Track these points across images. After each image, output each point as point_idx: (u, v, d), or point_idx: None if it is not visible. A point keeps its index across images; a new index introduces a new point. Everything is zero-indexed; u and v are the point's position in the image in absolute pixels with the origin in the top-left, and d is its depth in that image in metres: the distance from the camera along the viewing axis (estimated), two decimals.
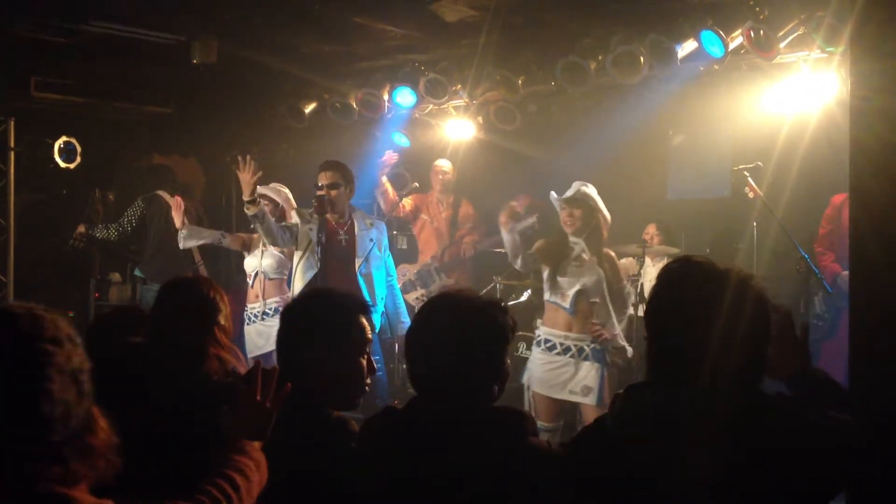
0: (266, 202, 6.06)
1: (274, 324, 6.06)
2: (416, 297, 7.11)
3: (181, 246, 6.61)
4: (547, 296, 5.18)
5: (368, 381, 2.57)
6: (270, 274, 6.27)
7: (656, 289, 2.03)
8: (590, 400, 4.97)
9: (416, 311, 6.11)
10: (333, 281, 5.30)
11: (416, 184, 7.38)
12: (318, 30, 6.28)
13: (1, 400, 1.50)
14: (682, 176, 7.75)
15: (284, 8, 5.88)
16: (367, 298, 5.07)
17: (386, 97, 7.04)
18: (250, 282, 6.36)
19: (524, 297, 6.70)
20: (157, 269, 7.15)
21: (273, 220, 5.65)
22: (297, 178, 6.78)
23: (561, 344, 5.04)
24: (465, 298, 2.30)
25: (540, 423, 4.58)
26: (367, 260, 5.55)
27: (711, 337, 1.87)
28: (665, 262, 6.83)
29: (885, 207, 2.20)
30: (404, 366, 6.68)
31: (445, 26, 6.05)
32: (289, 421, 2.42)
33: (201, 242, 6.61)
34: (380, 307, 5.56)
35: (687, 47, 5.51)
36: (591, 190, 5.10)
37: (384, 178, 6.86)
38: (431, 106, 7.10)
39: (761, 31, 5.22)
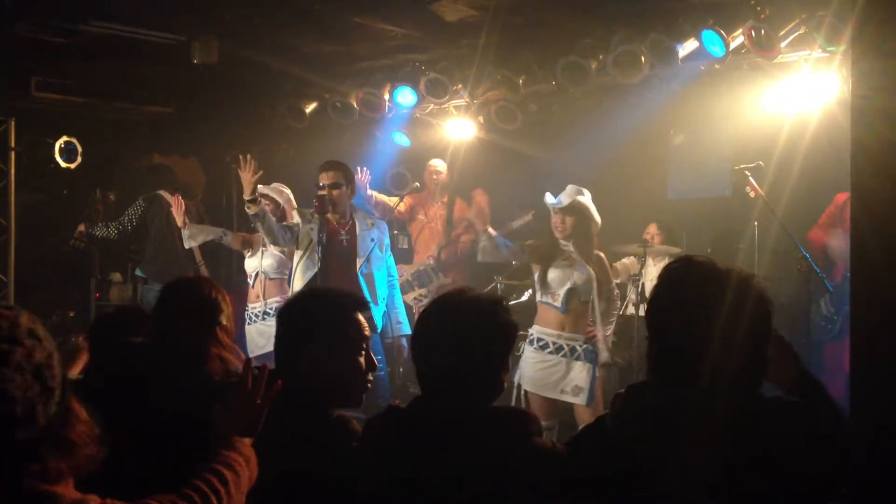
0: (267, 202, 6.05)
1: (274, 323, 6.08)
2: (414, 297, 7.11)
3: (185, 245, 6.61)
4: (538, 296, 5.22)
5: (370, 377, 2.56)
6: (271, 274, 6.27)
7: (657, 288, 2.02)
8: (580, 400, 4.99)
9: (413, 311, 6.15)
10: (334, 281, 5.30)
11: (417, 184, 7.37)
12: (318, 30, 6.28)
13: None
14: (682, 175, 7.75)
15: (284, 8, 5.88)
16: (369, 298, 5.09)
17: (386, 97, 7.04)
18: (251, 282, 6.36)
19: (525, 297, 6.70)
20: (158, 269, 7.15)
21: (274, 219, 5.65)
22: (298, 178, 6.78)
23: (553, 343, 5.06)
24: (467, 298, 2.30)
25: None
26: (368, 260, 5.55)
27: (712, 337, 1.87)
28: (666, 261, 6.85)
29: (885, 207, 2.20)
30: (401, 368, 6.71)
31: (446, 26, 6.04)
32: (289, 420, 2.42)
33: (205, 240, 6.61)
34: (381, 307, 5.56)
35: (688, 47, 5.50)
36: (586, 198, 5.11)
37: (370, 192, 6.83)
38: (432, 105, 7.10)
39: (762, 31, 5.21)
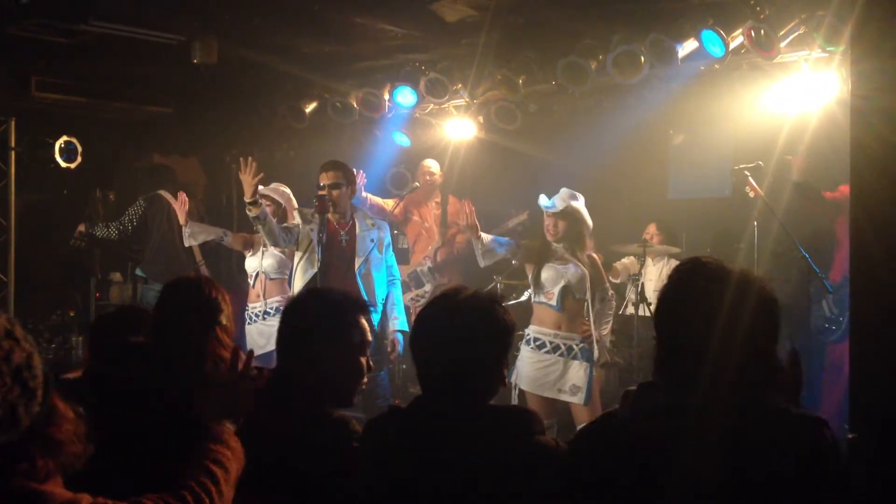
0: (268, 203, 6.05)
1: (275, 323, 6.04)
2: (411, 297, 7.10)
3: (186, 243, 6.62)
4: (533, 297, 5.25)
5: (365, 379, 2.58)
6: (271, 274, 6.27)
7: (666, 289, 2.03)
8: (578, 399, 5.00)
9: (411, 311, 6.15)
10: (333, 281, 5.30)
11: (417, 184, 7.37)
12: (318, 30, 6.28)
13: None
14: (682, 175, 7.76)
15: (284, 8, 5.88)
16: (366, 298, 5.10)
17: (386, 97, 7.04)
18: (251, 282, 6.36)
19: (524, 297, 6.69)
20: (159, 269, 7.16)
21: (274, 221, 5.65)
22: (298, 178, 6.78)
23: (550, 342, 5.08)
24: (464, 297, 2.31)
25: None
26: (366, 260, 5.55)
27: (717, 338, 1.86)
28: (666, 261, 6.90)
29: (885, 207, 2.20)
30: (404, 366, 6.71)
31: (446, 26, 6.04)
32: (290, 420, 2.42)
33: (205, 239, 6.61)
34: (380, 308, 5.56)
35: (687, 47, 5.50)
36: (579, 203, 5.13)
37: (365, 194, 6.83)
38: (432, 105, 7.10)
39: (762, 31, 5.21)
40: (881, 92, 2.29)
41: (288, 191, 6.31)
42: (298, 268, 5.58)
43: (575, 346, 5.06)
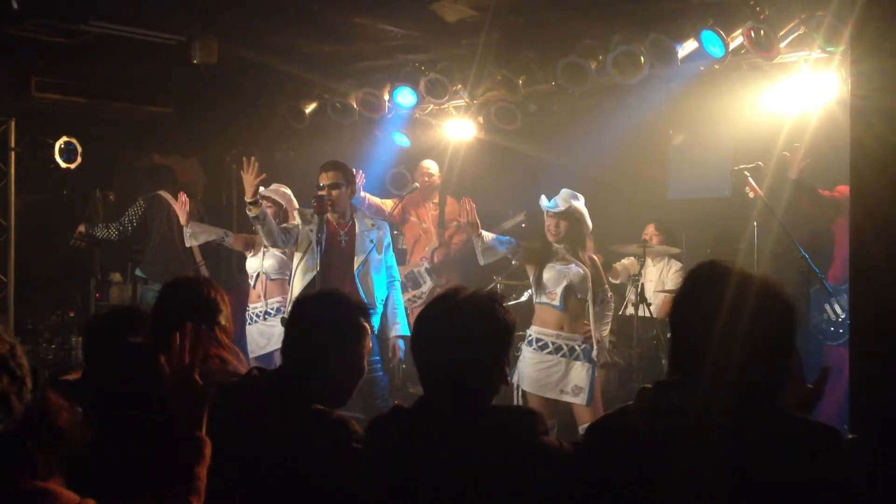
0: (269, 204, 6.05)
1: (275, 324, 6.10)
2: (408, 298, 7.09)
3: (187, 244, 6.61)
4: (535, 297, 5.24)
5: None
6: (272, 275, 6.27)
7: (681, 290, 2.04)
8: (580, 400, 5.00)
9: (408, 312, 6.15)
10: (332, 281, 5.30)
11: (416, 184, 7.37)
12: (318, 30, 6.28)
13: None
14: (682, 175, 7.76)
15: (284, 8, 5.88)
16: (365, 300, 5.10)
17: (386, 97, 7.04)
18: (252, 282, 6.36)
19: (524, 297, 6.70)
20: (159, 270, 7.16)
21: (274, 222, 5.65)
22: (298, 178, 6.78)
23: (553, 343, 5.07)
24: (463, 297, 2.30)
25: None
26: (365, 261, 5.54)
27: (730, 341, 1.86)
28: (665, 261, 6.90)
29: (885, 207, 2.21)
30: (404, 366, 6.71)
31: (445, 26, 6.04)
32: (290, 420, 2.42)
33: (206, 239, 6.61)
34: (380, 309, 5.55)
35: (687, 47, 5.50)
36: (580, 203, 5.13)
37: (363, 194, 6.83)
38: (432, 106, 7.10)
39: (762, 31, 5.21)
40: (881, 92, 2.29)
41: (289, 192, 6.31)
42: (298, 269, 5.58)
43: (577, 347, 5.06)
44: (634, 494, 1.94)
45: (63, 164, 7.35)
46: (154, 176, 7.71)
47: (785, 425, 1.88)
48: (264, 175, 5.61)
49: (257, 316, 6.27)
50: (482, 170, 7.77)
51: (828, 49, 5.11)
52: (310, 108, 7.51)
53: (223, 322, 3.12)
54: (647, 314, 6.44)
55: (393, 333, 5.60)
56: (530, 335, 5.19)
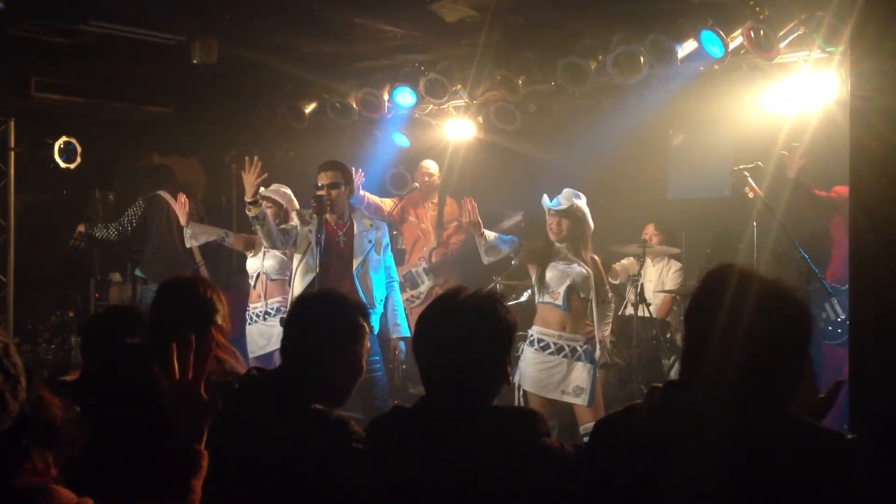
0: (269, 204, 6.05)
1: (275, 324, 6.10)
2: (406, 298, 7.08)
3: (187, 244, 6.61)
4: (538, 297, 5.23)
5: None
6: (272, 275, 6.27)
7: (696, 292, 2.04)
8: (581, 400, 5.00)
9: (406, 312, 6.15)
10: (331, 282, 5.30)
11: (416, 184, 7.37)
12: (318, 30, 6.28)
13: None
14: (682, 176, 7.76)
15: (284, 8, 5.88)
16: (364, 300, 5.10)
17: (386, 97, 7.04)
18: (252, 282, 6.36)
19: (524, 298, 6.70)
20: (158, 270, 7.16)
21: (273, 223, 5.65)
22: (298, 179, 6.78)
23: (554, 343, 5.07)
24: (464, 297, 2.30)
25: None
26: (364, 261, 5.54)
27: (742, 344, 1.86)
28: (665, 262, 6.90)
29: (885, 207, 2.21)
30: (404, 366, 6.71)
31: (445, 26, 6.04)
32: (289, 420, 2.42)
33: (207, 240, 6.62)
34: (379, 309, 5.55)
35: (687, 47, 5.50)
36: (582, 202, 5.13)
37: (363, 193, 6.84)
38: (431, 106, 7.10)
39: (761, 31, 5.21)
40: (881, 92, 2.29)
41: (289, 192, 6.31)
42: (298, 270, 5.58)
43: (579, 348, 5.06)
44: (638, 494, 1.94)
45: (63, 164, 7.35)
46: (154, 176, 7.71)
47: (787, 427, 1.88)
48: (265, 175, 5.61)
49: (257, 316, 6.27)
50: (482, 170, 7.77)
51: (827, 49, 5.11)
52: (310, 108, 7.51)
53: (220, 322, 3.12)
54: (647, 314, 6.44)
55: (394, 335, 5.60)
56: (532, 335, 5.18)
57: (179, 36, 6.28)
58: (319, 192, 5.46)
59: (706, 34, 5.37)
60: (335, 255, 5.52)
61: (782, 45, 5.24)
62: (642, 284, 6.51)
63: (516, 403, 5.15)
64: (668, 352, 6.37)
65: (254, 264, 6.37)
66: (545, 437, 2.19)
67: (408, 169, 8.02)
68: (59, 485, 1.60)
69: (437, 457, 2.15)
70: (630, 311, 6.49)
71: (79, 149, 7.42)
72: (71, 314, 7.91)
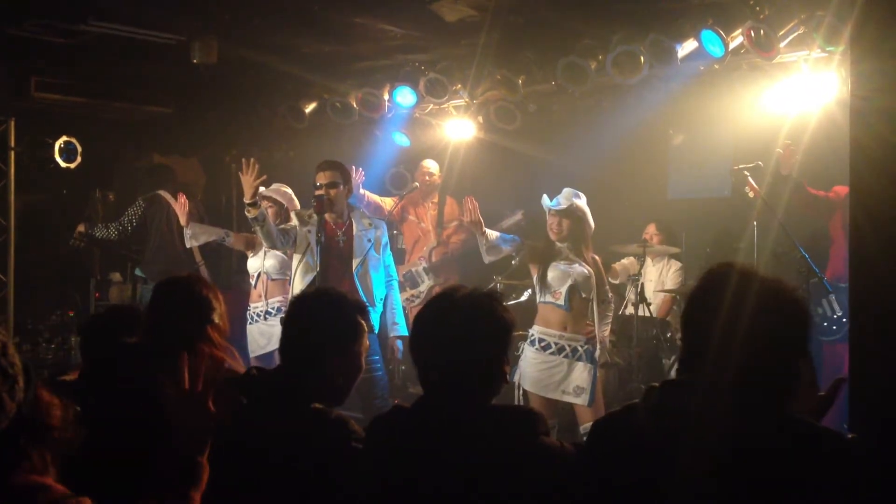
0: (270, 204, 6.06)
1: (276, 323, 6.09)
2: (406, 297, 7.09)
3: (187, 244, 6.62)
4: (539, 297, 5.22)
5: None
6: (273, 274, 6.27)
7: (695, 290, 2.04)
8: (582, 400, 5.00)
9: (406, 311, 6.15)
10: (331, 281, 5.30)
11: (416, 184, 7.37)
12: (318, 30, 6.28)
13: None
14: (682, 175, 7.76)
15: (284, 8, 5.88)
16: (364, 299, 5.10)
17: (386, 97, 7.04)
18: (253, 282, 6.37)
19: (524, 297, 6.71)
20: (158, 269, 7.15)
21: (273, 223, 5.65)
22: (297, 179, 6.78)
23: (555, 343, 5.07)
24: (461, 296, 2.30)
25: None
26: (364, 260, 5.54)
27: (735, 340, 1.86)
28: (665, 261, 6.90)
29: (885, 207, 2.21)
30: (404, 366, 6.71)
31: (445, 26, 6.04)
32: (289, 419, 2.42)
33: (207, 240, 6.62)
34: (378, 308, 5.56)
35: (687, 47, 5.50)
36: (582, 202, 5.13)
37: (363, 191, 6.84)
38: (432, 105, 7.10)
39: (761, 31, 5.21)
40: (881, 92, 2.29)
41: (290, 191, 6.31)
42: (298, 270, 5.58)
43: (580, 348, 5.06)
44: (636, 494, 1.94)
45: (63, 164, 7.35)
46: (154, 176, 7.71)
47: (787, 427, 1.87)
48: (264, 177, 5.61)
49: (258, 315, 6.28)
50: (482, 169, 7.77)
51: (827, 49, 5.12)
52: (309, 108, 7.51)
53: (216, 320, 3.12)
54: (647, 314, 6.44)
55: (392, 334, 5.60)
56: (533, 335, 5.18)
57: (179, 36, 6.29)
58: (318, 192, 5.46)
59: (706, 34, 5.38)
60: (335, 254, 5.52)
61: (782, 44, 5.24)
62: (642, 284, 6.51)
63: (516, 403, 5.15)
64: (668, 351, 6.38)
65: (254, 264, 6.37)
66: (545, 436, 2.19)
67: (408, 168, 8.02)
68: (57, 484, 1.60)
69: (437, 456, 2.15)
70: (630, 310, 6.50)
71: (79, 149, 7.42)
72: (71, 314, 7.91)
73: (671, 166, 7.79)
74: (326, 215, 5.50)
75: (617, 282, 6.60)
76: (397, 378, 6.85)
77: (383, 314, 5.63)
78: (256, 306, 6.30)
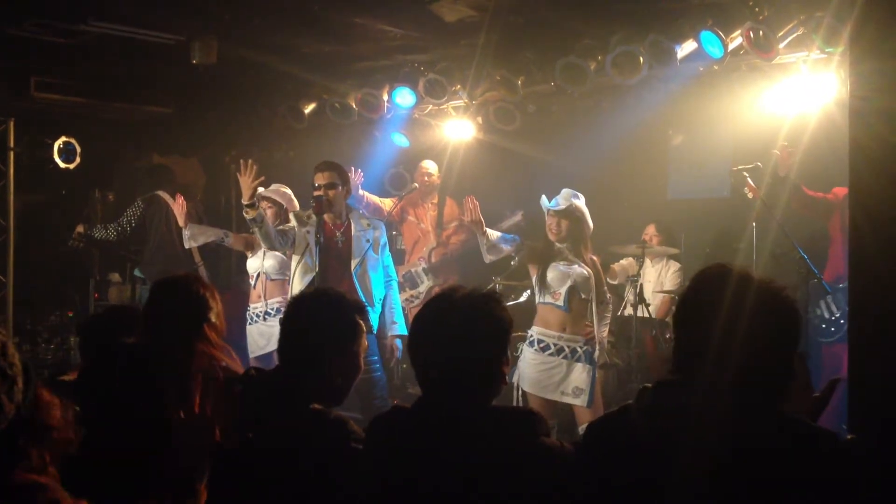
0: (269, 205, 6.05)
1: (275, 324, 6.08)
2: (405, 298, 7.09)
3: (186, 245, 6.61)
4: (538, 298, 5.22)
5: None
6: (272, 275, 6.27)
7: (688, 291, 2.04)
8: (581, 401, 5.00)
9: (406, 312, 6.15)
10: (330, 282, 5.30)
11: (416, 185, 7.37)
12: (318, 30, 6.28)
13: None
14: (681, 176, 7.76)
15: (284, 8, 5.88)
16: (364, 299, 5.10)
17: (385, 97, 7.04)
18: (252, 282, 6.36)
19: (523, 298, 6.70)
20: (157, 270, 7.14)
21: (271, 224, 5.64)
22: (297, 179, 6.78)
23: (554, 344, 5.07)
24: (459, 296, 2.30)
25: None
26: (362, 261, 5.54)
27: (734, 341, 1.86)
28: (665, 262, 6.90)
29: (885, 207, 2.21)
30: (404, 366, 6.71)
31: (445, 26, 6.05)
32: (288, 420, 2.42)
33: (206, 240, 6.62)
34: (378, 308, 5.56)
35: (686, 48, 5.51)
36: (580, 202, 5.13)
37: (362, 192, 6.84)
38: (431, 106, 7.10)
39: (761, 32, 5.22)
40: (880, 93, 2.30)
41: (289, 192, 6.31)
42: (297, 271, 5.58)
43: (579, 349, 5.06)
44: (634, 494, 1.94)
45: (62, 165, 7.36)
46: (153, 176, 7.71)
47: (783, 427, 1.88)
48: (262, 178, 5.61)
49: (257, 316, 6.27)
50: (481, 170, 7.77)
51: (827, 50, 5.12)
52: (309, 108, 7.52)
53: (213, 319, 3.12)
54: (646, 315, 6.44)
55: (390, 333, 5.60)
56: (532, 336, 5.18)
57: (179, 36, 6.29)
58: (317, 193, 5.47)
59: (705, 34, 5.38)
60: (334, 255, 5.52)
61: (781, 45, 5.24)
62: (641, 285, 6.51)
63: (515, 403, 5.15)
64: (668, 352, 6.37)
65: (254, 264, 6.37)
66: (544, 436, 2.19)
67: (407, 169, 8.03)
68: (56, 484, 1.60)
69: (436, 456, 2.15)
70: (629, 311, 6.50)
71: (78, 149, 7.42)
72: (70, 314, 7.91)
73: (670, 167, 7.79)
74: (325, 216, 5.50)
75: (615, 282, 6.61)
76: (396, 378, 6.85)
77: (382, 314, 5.63)
78: (256, 307, 6.30)
